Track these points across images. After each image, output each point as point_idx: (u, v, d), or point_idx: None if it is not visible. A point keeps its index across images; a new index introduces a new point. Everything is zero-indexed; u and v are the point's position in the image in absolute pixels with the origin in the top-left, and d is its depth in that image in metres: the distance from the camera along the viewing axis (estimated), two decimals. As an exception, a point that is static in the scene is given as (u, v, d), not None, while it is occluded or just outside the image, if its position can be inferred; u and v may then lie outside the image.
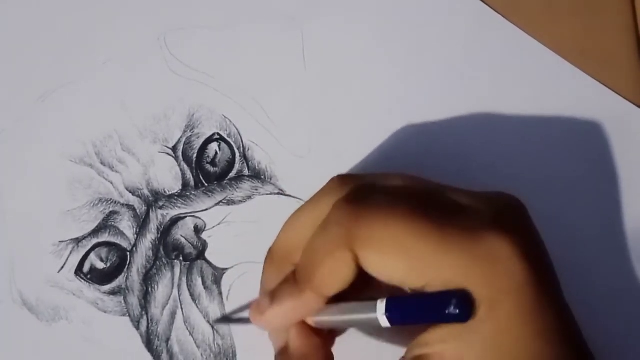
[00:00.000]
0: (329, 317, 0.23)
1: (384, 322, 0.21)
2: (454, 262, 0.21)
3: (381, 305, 0.21)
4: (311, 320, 0.23)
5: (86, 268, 0.27)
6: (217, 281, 0.26)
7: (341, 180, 0.24)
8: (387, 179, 0.24)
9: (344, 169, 0.27)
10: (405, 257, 0.22)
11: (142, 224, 0.27)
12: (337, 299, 0.23)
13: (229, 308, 0.26)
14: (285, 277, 0.24)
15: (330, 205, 0.23)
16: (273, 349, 0.25)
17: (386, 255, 0.22)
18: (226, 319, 0.26)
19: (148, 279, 0.26)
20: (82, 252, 0.27)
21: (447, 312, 0.20)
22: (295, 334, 0.24)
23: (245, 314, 0.26)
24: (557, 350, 0.22)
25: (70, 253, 0.27)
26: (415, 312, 0.21)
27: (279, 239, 0.25)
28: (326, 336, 0.25)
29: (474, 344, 0.21)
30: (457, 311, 0.20)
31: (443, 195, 0.24)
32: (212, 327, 0.26)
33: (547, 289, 0.22)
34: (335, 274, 0.23)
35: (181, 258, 0.27)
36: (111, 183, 0.27)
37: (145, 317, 0.26)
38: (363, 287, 0.24)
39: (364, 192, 0.23)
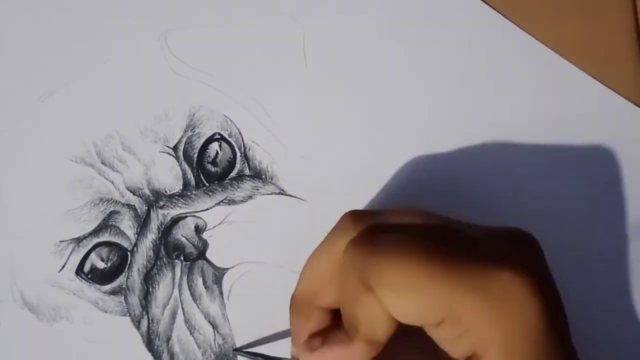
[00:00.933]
0: None
1: None
2: (468, 300, 0.21)
3: None
4: None
5: (87, 268, 0.26)
6: (218, 281, 0.26)
7: (353, 218, 0.24)
8: (399, 216, 0.24)
9: (345, 169, 0.27)
10: (420, 296, 0.21)
11: (142, 224, 0.27)
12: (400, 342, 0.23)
13: (229, 308, 0.26)
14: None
15: (343, 244, 0.23)
16: None
17: (400, 294, 0.22)
18: (249, 352, 0.26)
19: (149, 279, 0.26)
20: (83, 251, 0.27)
21: None
22: None
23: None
24: None
25: (71, 253, 0.26)
26: None
27: (300, 285, 0.24)
28: None
29: None
30: None
31: (457, 231, 0.24)
32: (213, 327, 0.26)
33: (559, 330, 0.22)
34: (374, 320, 0.22)
35: (182, 258, 0.26)
36: (112, 183, 0.27)
37: (145, 317, 0.26)
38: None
39: (374, 232, 0.23)
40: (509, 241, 0.23)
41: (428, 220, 0.24)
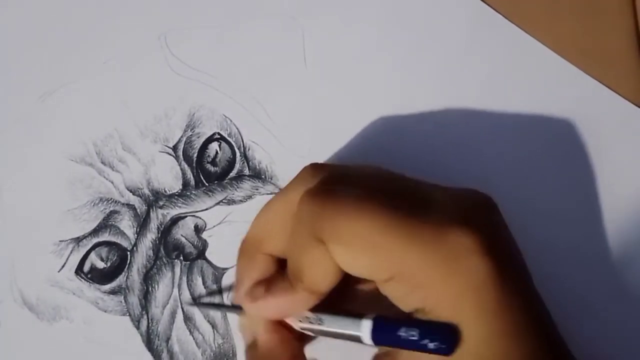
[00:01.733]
0: (315, 326, 0.23)
1: (368, 341, 0.21)
2: (418, 258, 0.21)
3: (367, 323, 0.21)
4: (297, 325, 0.23)
5: (86, 267, 0.27)
6: (218, 281, 0.26)
7: (313, 169, 0.24)
8: (358, 170, 0.24)
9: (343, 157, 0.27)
10: (371, 252, 0.22)
11: (142, 224, 0.27)
12: (336, 296, 0.23)
13: (229, 307, 0.26)
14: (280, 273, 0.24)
15: (300, 194, 0.23)
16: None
17: (352, 249, 0.22)
18: (202, 303, 0.26)
19: (148, 279, 0.26)
20: (83, 251, 0.27)
21: (432, 346, 0.20)
22: (264, 328, 0.24)
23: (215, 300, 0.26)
24: (526, 348, 0.22)
25: (71, 252, 0.27)
26: (399, 339, 0.21)
27: (251, 229, 0.25)
28: (298, 333, 0.24)
29: None
30: (444, 346, 0.20)
31: (413, 190, 0.24)
32: (212, 327, 0.26)
33: (515, 285, 0.22)
34: (319, 270, 0.22)
35: (181, 258, 0.27)
36: (112, 182, 0.27)
37: (145, 317, 0.26)
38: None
39: (331, 184, 0.23)
40: (464, 201, 0.23)
41: (387, 177, 0.24)
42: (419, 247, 0.21)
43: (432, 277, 0.21)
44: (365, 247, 0.22)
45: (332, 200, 0.22)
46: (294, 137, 0.28)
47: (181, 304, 0.26)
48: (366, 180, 0.24)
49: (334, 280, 0.23)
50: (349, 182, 0.23)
